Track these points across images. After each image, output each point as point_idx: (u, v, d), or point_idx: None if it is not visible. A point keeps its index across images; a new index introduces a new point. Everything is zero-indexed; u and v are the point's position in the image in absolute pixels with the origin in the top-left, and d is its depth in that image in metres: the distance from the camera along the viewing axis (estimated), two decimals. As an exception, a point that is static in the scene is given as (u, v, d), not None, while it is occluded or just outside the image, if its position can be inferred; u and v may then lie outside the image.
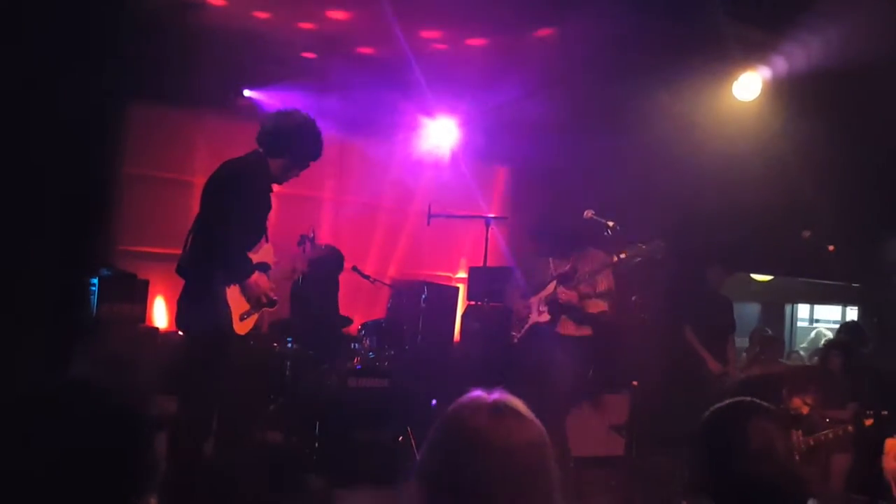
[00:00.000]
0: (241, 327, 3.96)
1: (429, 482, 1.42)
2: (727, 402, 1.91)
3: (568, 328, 5.16)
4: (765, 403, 1.88)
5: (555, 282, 5.13)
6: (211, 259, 3.81)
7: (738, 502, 1.80)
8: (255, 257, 4.02)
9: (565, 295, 5.02)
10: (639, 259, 4.84)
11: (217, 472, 4.63)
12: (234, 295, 3.87)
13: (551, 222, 5.40)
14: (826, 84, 6.00)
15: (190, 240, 3.94)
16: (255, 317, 4.06)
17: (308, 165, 4.16)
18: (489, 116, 7.56)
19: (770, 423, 1.83)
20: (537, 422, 1.45)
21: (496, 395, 1.47)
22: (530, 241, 5.68)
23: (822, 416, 5.19)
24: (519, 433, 1.40)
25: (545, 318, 5.12)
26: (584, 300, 5.09)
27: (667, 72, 6.27)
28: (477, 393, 1.48)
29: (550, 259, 5.27)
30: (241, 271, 3.88)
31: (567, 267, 5.17)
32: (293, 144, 4.03)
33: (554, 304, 5.08)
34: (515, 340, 5.21)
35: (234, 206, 3.81)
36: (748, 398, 1.90)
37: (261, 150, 4.03)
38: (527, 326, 5.19)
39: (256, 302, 3.99)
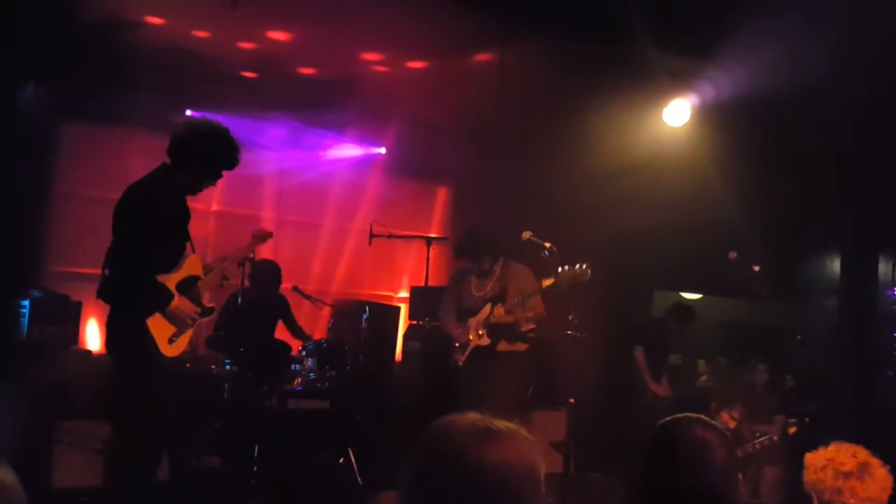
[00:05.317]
0: (172, 349, 3.87)
1: (415, 501, 1.40)
2: (671, 417, 1.98)
3: (503, 345, 5.31)
4: (705, 417, 1.96)
5: (489, 304, 5.24)
6: (125, 290, 3.74)
7: None
8: (181, 273, 3.91)
9: (501, 318, 5.15)
10: (567, 284, 4.95)
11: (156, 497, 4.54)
12: (159, 319, 3.78)
13: (469, 236, 5.48)
14: (750, 111, 6.29)
15: (106, 268, 3.82)
16: (188, 335, 3.97)
17: (221, 175, 3.96)
18: (429, 137, 7.66)
19: (710, 434, 1.90)
20: (529, 443, 1.43)
21: (487, 417, 1.44)
22: (454, 258, 5.75)
23: (751, 431, 5.39)
24: (516, 456, 1.39)
25: (485, 341, 5.23)
26: (518, 320, 5.21)
27: (600, 98, 6.47)
28: (467, 415, 1.45)
29: (472, 278, 5.37)
30: (155, 302, 3.77)
31: (496, 289, 5.28)
32: (202, 154, 3.84)
33: (492, 327, 5.19)
34: (461, 364, 5.29)
35: (143, 233, 3.69)
36: (693, 414, 1.98)
37: (170, 162, 3.87)
38: (469, 350, 5.28)
39: (184, 325, 3.89)
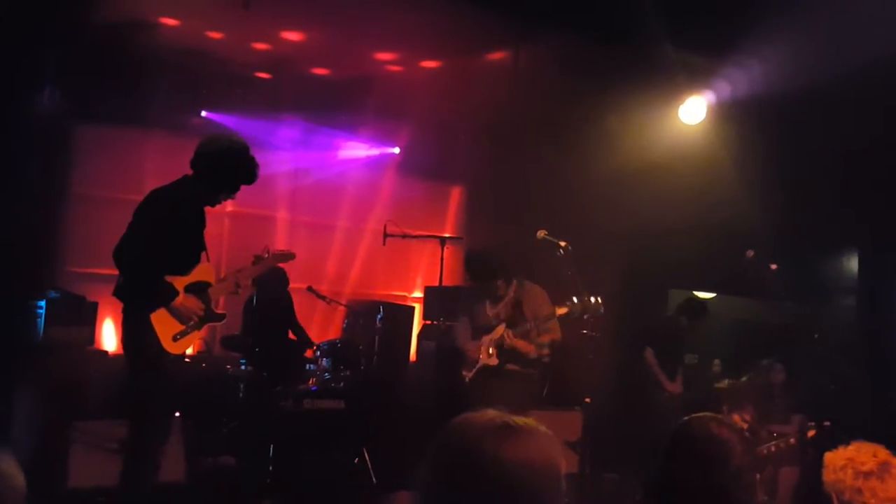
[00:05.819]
0: (177, 347, 3.97)
1: (432, 499, 1.37)
2: (690, 416, 1.97)
3: (511, 366, 5.19)
4: (721, 416, 1.95)
5: (503, 325, 5.17)
6: (128, 285, 3.88)
7: None
8: (190, 277, 4.04)
9: (515, 343, 5.09)
10: (579, 313, 4.91)
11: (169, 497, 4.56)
12: (164, 317, 3.89)
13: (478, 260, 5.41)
14: (768, 109, 6.23)
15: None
16: (195, 335, 4.06)
17: (238, 189, 4.19)
18: (443, 136, 7.65)
19: (726, 431, 1.89)
20: (549, 439, 1.40)
21: (506, 413, 1.42)
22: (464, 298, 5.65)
23: (768, 431, 5.33)
24: (534, 453, 1.36)
25: (494, 361, 5.17)
26: (534, 346, 5.13)
27: (615, 96, 6.43)
28: (485, 412, 1.43)
29: (488, 302, 5.32)
30: (157, 297, 3.89)
31: (510, 310, 5.21)
32: (222, 169, 4.08)
33: (502, 350, 5.14)
34: (467, 381, 5.22)
35: (153, 234, 3.85)
36: (709, 413, 1.96)
37: (192, 174, 4.08)
38: (477, 367, 5.21)
39: (189, 321, 3.99)
